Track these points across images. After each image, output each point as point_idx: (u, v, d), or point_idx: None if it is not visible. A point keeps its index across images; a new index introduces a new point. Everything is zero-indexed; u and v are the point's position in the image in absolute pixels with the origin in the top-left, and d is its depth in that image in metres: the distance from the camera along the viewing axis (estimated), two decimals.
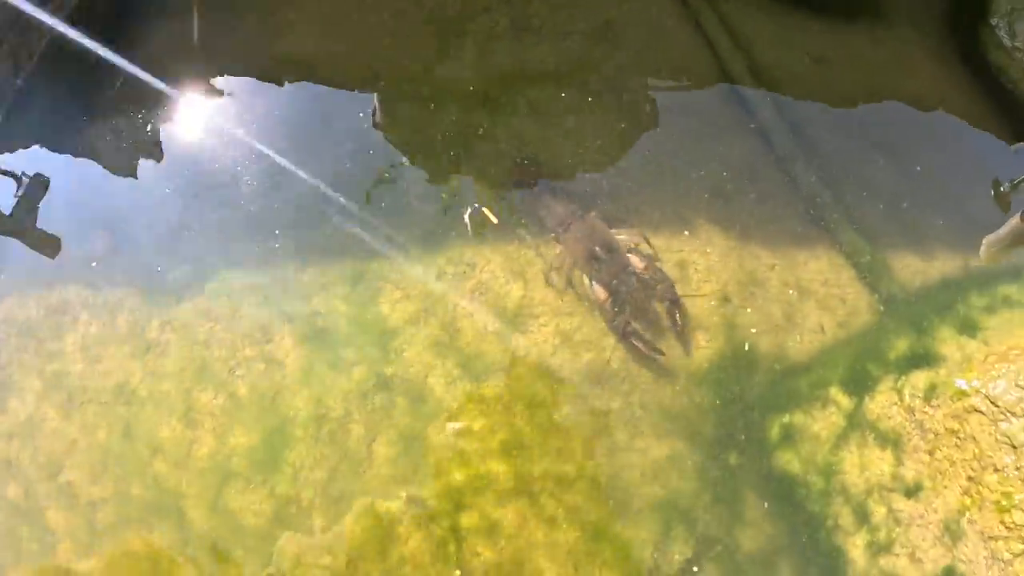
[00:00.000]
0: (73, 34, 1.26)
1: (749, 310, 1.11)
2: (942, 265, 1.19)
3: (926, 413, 1.00)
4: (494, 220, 1.14)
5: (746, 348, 1.07)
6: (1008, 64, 1.44)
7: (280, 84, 1.25)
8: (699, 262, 1.11)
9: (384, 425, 0.90)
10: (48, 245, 1.22)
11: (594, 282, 0.94)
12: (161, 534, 0.85)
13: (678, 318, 0.96)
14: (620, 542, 0.92)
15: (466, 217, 1.09)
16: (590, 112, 1.22)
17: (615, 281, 0.93)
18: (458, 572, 0.89)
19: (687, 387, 1.02)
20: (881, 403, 1.02)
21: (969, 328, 1.06)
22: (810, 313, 1.11)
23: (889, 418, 1.01)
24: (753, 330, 1.08)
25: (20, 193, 1.24)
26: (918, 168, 1.26)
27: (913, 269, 1.17)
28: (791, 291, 1.14)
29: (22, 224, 1.24)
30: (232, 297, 1.03)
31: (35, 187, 1.26)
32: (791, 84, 1.24)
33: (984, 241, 1.23)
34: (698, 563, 0.93)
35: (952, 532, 1.01)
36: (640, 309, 0.97)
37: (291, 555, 0.85)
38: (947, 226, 1.23)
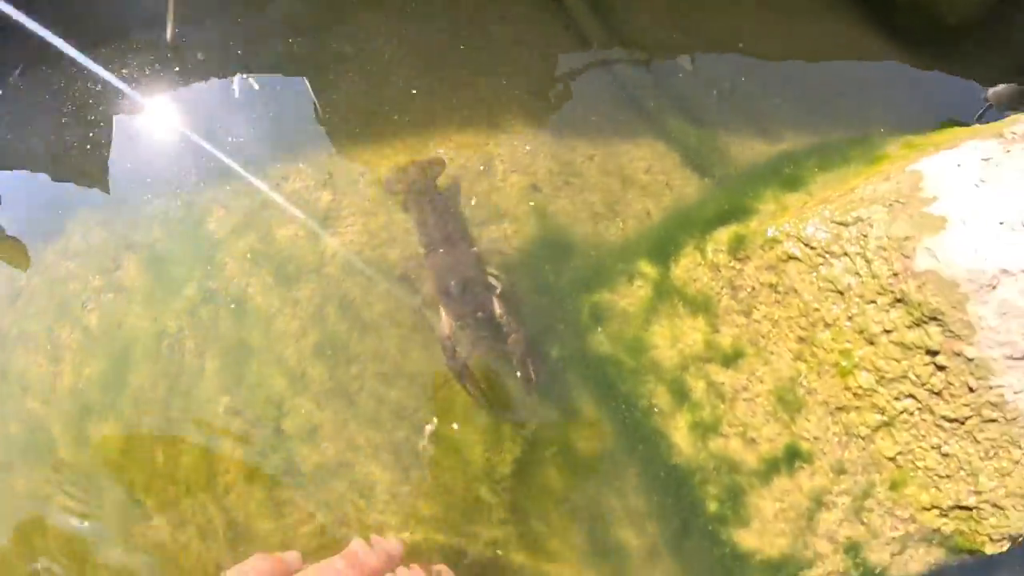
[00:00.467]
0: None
1: (563, 199, 0.99)
2: (782, 144, 1.01)
3: (734, 269, 0.84)
4: (256, 87, 1.08)
5: (561, 236, 0.96)
6: None
7: None
8: (506, 155, 1.00)
9: (211, 338, 0.91)
10: None
11: (444, 313, 0.88)
12: (40, 470, 0.92)
13: (529, 372, 0.87)
14: (449, 442, 0.86)
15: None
16: (408, 23, 1.13)
17: (460, 322, 0.87)
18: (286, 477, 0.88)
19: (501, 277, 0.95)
20: (685, 266, 0.86)
21: (793, 184, 0.91)
22: (633, 201, 0.97)
23: (695, 280, 0.86)
24: (569, 219, 0.96)
25: None
26: (754, 57, 1.07)
27: (752, 151, 0.99)
28: (612, 180, 1.00)
29: None
30: (86, 235, 1.00)
31: None
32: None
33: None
34: (528, 462, 0.85)
35: (788, 404, 0.83)
36: (486, 351, 0.90)
37: (141, 484, 0.87)
38: (788, 107, 1.03)
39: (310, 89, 1.06)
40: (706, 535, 0.86)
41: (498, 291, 0.87)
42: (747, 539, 0.86)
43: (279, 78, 1.08)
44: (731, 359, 0.84)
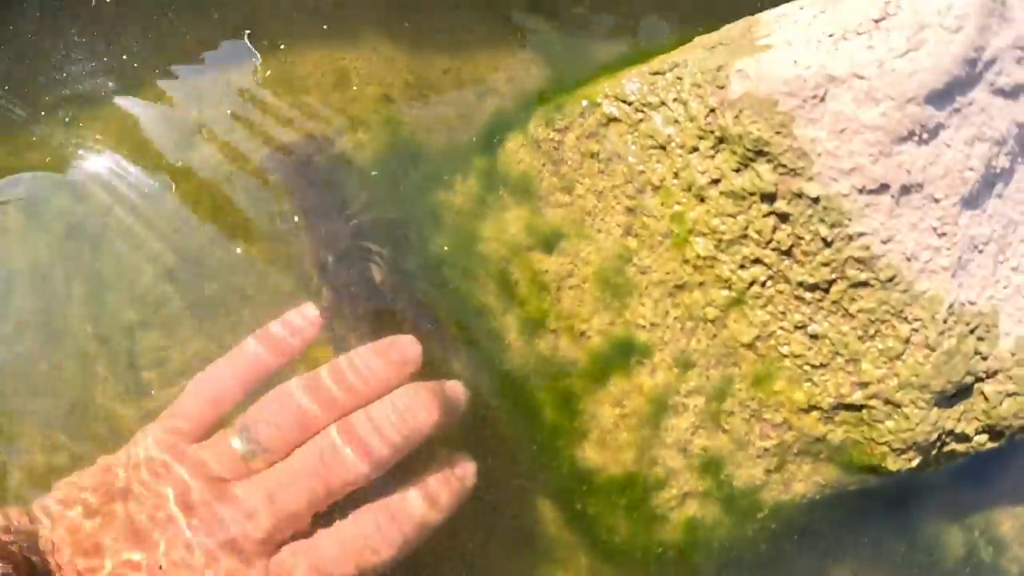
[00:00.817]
0: None
1: (416, 110, 0.92)
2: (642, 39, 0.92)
3: (555, 142, 0.73)
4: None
5: (413, 146, 0.88)
6: None
7: None
8: (361, 67, 0.94)
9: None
10: None
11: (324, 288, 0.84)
12: None
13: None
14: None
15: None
16: None
17: (338, 294, 0.83)
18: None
19: (353, 180, 0.87)
20: (510, 150, 0.77)
21: (628, 61, 0.78)
22: (489, 110, 0.89)
23: (518, 163, 0.76)
24: (422, 129, 0.89)
25: None
26: None
27: (616, 51, 0.91)
28: (469, 92, 0.93)
29: None
30: None
31: None
32: None
33: None
34: None
35: (616, 288, 0.70)
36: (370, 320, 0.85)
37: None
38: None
39: None
40: (545, 448, 0.72)
41: (379, 261, 0.80)
42: (588, 453, 0.71)
43: None
44: (553, 243, 0.73)
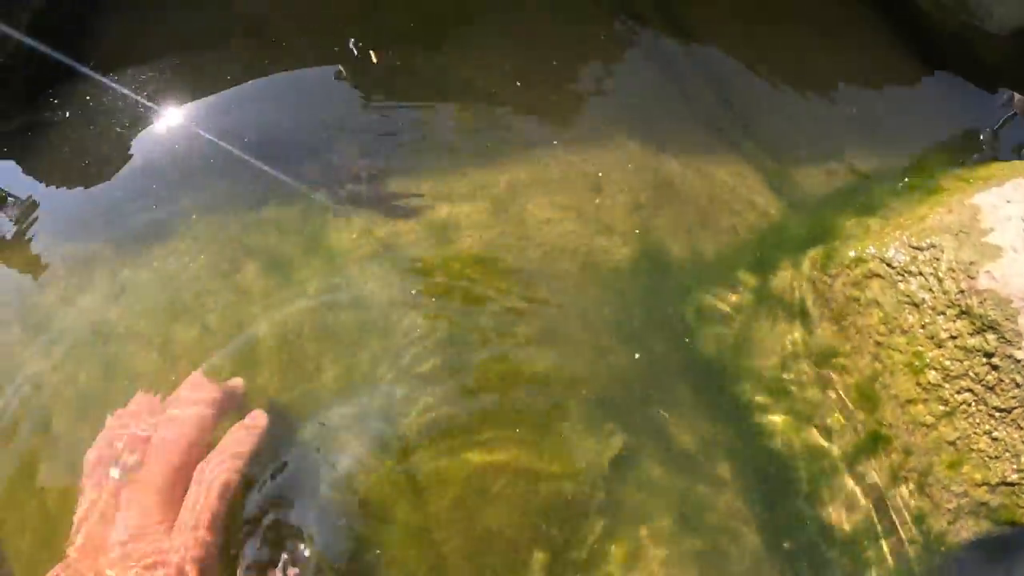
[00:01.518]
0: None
1: (661, 218, 1.13)
2: (847, 175, 1.13)
3: (826, 283, 0.98)
4: (374, 60, 1.13)
5: (661, 249, 1.10)
6: None
7: None
8: (611, 173, 1.15)
9: (332, 341, 0.98)
10: None
11: None
12: None
13: None
14: (558, 438, 0.96)
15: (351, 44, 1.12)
16: (500, 48, 1.18)
17: None
18: None
19: (610, 283, 1.06)
20: (783, 279, 1.00)
21: (869, 209, 1.05)
22: (721, 217, 1.13)
23: (793, 291, 1.00)
24: (667, 233, 1.11)
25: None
26: (822, 89, 1.19)
27: (816, 179, 1.17)
28: (702, 198, 1.16)
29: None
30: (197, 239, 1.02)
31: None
32: (690, 11, 1.22)
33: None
34: (633, 456, 0.97)
35: (869, 399, 0.98)
36: None
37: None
38: (853, 140, 1.16)
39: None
40: (794, 512, 1.02)
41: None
42: (832, 514, 1.03)
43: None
44: (822, 361, 1.01)
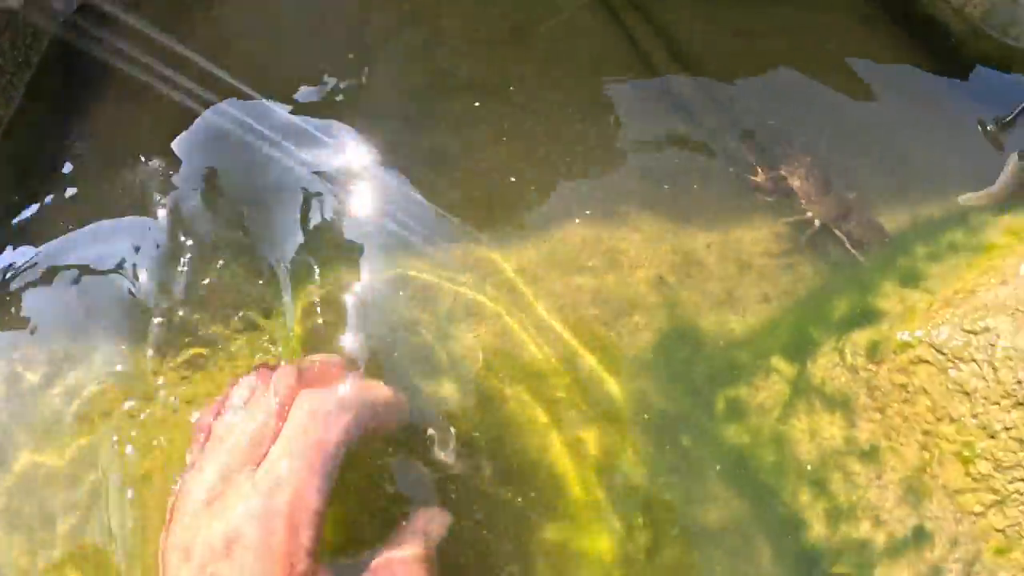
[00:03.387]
0: None
1: (686, 291, 1.04)
2: (887, 222, 1.05)
3: (871, 370, 0.90)
4: None
5: (688, 326, 1.01)
6: (946, 14, 1.20)
7: None
8: (630, 249, 1.04)
9: None
10: None
11: None
12: None
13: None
14: (588, 534, 0.91)
15: None
16: (514, 119, 1.10)
17: None
18: None
19: (632, 371, 0.98)
20: (824, 366, 0.93)
21: (911, 279, 0.97)
22: (751, 286, 0.98)
23: (834, 380, 0.92)
24: (694, 308, 1.02)
25: None
26: (852, 126, 1.12)
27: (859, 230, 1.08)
28: (730, 266, 1.06)
29: None
30: None
31: None
32: (713, 61, 1.14)
33: (981, 193, 1.09)
34: (663, 546, 0.92)
35: (915, 490, 0.91)
36: None
37: None
38: (888, 181, 1.08)
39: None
40: None
41: None
42: None
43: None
44: (867, 453, 0.94)
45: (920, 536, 0.87)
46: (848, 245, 0.93)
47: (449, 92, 1.07)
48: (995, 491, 0.85)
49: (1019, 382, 0.81)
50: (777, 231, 0.99)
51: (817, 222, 0.95)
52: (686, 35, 1.08)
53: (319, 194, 0.99)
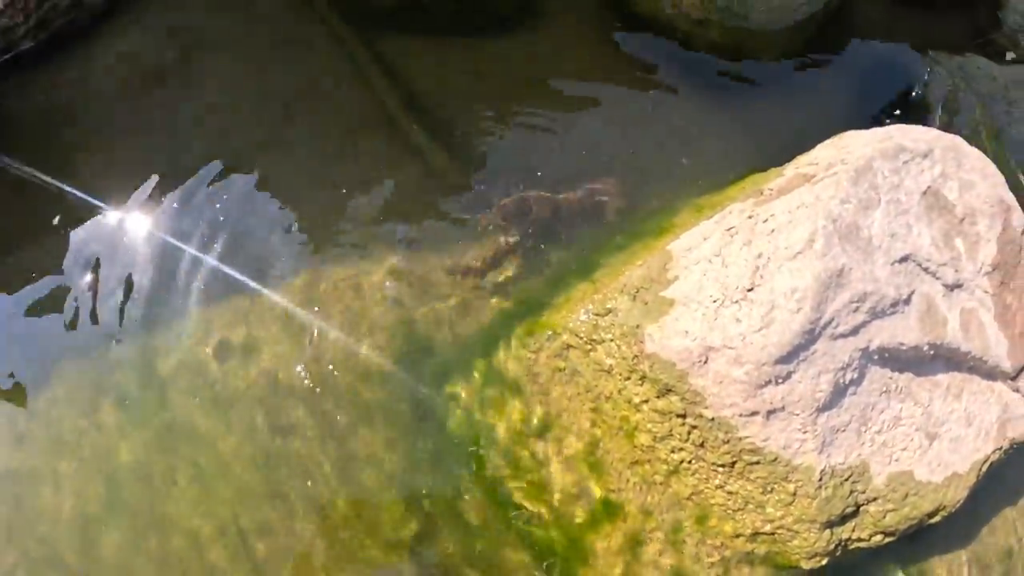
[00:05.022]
0: None
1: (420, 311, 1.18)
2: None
3: (531, 358, 1.00)
4: None
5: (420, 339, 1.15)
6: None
7: None
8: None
9: None
10: None
11: None
12: None
13: None
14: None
15: None
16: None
17: None
18: None
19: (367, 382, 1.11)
20: (501, 359, 1.04)
21: (586, 271, 1.05)
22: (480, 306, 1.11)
23: (508, 369, 1.03)
24: (426, 327, 1.16)
25: None
26: (583, 142, 1.18)
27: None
28: (468, 288, 1.19)
29: None
30: None
31: None
32: (451, 103, 1.27)
33: None
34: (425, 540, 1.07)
35: (592, 464, 0.99)
36: None
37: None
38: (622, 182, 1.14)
39: None
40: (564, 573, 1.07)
41: None
42: (588, 574, 1.06)
43: None
44: (542, 432, 1.05)
45: (609, 508, 0.98)
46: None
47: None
48: (664, 461, 0.94)
49: (636, 357, 0.91)
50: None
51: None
52: (423, 84, 1.28)
53: None
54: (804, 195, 0.82)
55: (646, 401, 0.87)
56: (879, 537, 0.91)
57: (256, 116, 1.30)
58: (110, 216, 1.23)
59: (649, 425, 0.88)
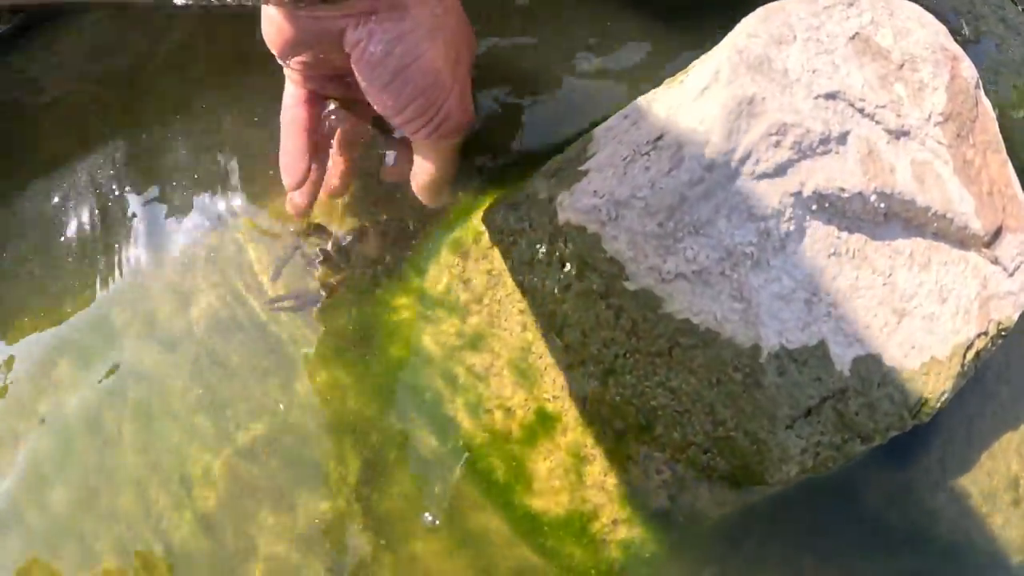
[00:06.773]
0: None
1: None
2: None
3: (460, 265, 0.95)
4: None
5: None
6: None
7: None
8: None
9: None
10: None
11: None
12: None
13: None
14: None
15: None
16: None
17: None
18: None
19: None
20: (432, 275, 0.98)
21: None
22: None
23: (438, 284, 0.97)
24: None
25: None
26: None
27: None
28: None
29: None
30: None
31: None
32: None
33: None
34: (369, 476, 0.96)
35: (524, 372, 0.91)
36: None
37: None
38: None
39: None
40: (500, 503, 0.96)
41: None
42: (535, 501, 0.94)
43: None
44: (475, 343, 0.96)
45: (544, 418, 0.90)
46: None
47: None
48: (598, 359, 0.87)
49: (552, 235, 0.84)
50: None
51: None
52: None
53: None
54: (715, 49, 0.76)
55: (568, 287, 0.79)
56: (854, 443, 0.78)
57: None
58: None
59: (576, 316, 0.80)
